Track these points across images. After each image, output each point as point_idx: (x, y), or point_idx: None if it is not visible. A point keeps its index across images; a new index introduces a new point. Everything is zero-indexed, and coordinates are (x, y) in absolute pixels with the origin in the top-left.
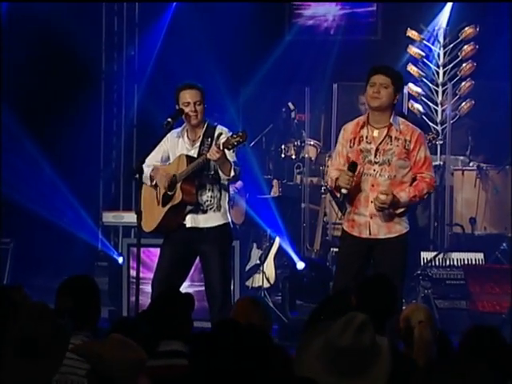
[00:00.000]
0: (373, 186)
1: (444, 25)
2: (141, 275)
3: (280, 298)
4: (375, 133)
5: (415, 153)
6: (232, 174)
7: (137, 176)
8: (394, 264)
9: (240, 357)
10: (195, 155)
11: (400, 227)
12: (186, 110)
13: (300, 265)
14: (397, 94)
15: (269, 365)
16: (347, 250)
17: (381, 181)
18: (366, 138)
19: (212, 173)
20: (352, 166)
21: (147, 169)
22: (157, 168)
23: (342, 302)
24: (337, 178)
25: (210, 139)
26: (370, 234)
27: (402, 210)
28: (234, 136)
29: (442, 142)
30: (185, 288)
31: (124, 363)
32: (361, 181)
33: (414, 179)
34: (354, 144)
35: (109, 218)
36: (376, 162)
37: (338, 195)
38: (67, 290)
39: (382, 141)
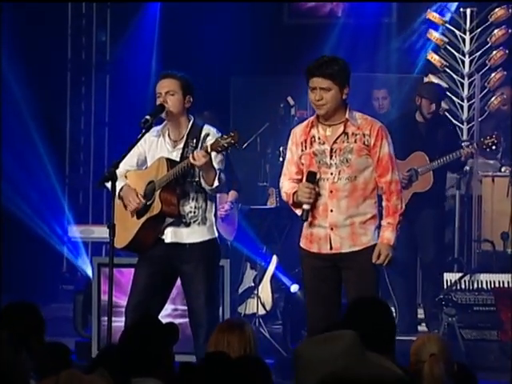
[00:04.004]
0: (331, 192)
1: (470, 5)
2: (114, 300)
3: (278, 326)
4: (328, 131)
5: (377, 149)
6: (215, 183)
7: (109, 184)
8: (363, 283)
9: None
10: (177, 158)
11: (366, 238)
12: (158, 101)
13: (294, 287)
14: (344, 89)
15: None
16: (310, 273)
17: (340, 185)
18: (319, 138)
19: (197, 179)
20: (310, 176)
21: (119, 182)
22: (126, 187)
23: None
24: (294, 193)
25: (195, 140)
26: (331, 248)
27: (365, 217)
28: (225, 137)
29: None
30: (166, 316)
31: None
32: (318, 187)
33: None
34: (305, 147)
35: (76, 232)
36: (332, 165)
37: (300, 213)
38: (3, 321)
39: (337, 139)
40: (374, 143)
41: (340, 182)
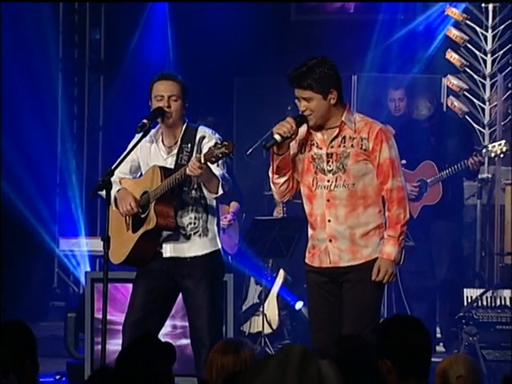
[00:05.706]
0: (328, 200)
1: (493, 0)
2: (109, 318)
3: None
4: (325, 135)
5: (376, 154)
6: (220, 191)
7: (103, 193)
8: (360, 300)
9: None
10: (172, 165)
11: (367, 251)
12: (157, 104)
13: (298, 304)
14: (330, 94)
15: None
16: (312, 290)
17: (337, 193)
18: (317, 142)
19: (195, 187)
20: (300, 117)
21: (114, 187)
22: (124, 189)
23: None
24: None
25: (189, 145)
26: (330, 262)
27: (367, 228)
28: (219, 146)
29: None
30: (165, 334)
31: None
32: (315, 196)
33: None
34: (304, 150)
35: (68, 245)
36: (330, 171)
37: (268, 144)
38: None
39: (332, 142)
40: (373, 147)
41: (337, 189)
